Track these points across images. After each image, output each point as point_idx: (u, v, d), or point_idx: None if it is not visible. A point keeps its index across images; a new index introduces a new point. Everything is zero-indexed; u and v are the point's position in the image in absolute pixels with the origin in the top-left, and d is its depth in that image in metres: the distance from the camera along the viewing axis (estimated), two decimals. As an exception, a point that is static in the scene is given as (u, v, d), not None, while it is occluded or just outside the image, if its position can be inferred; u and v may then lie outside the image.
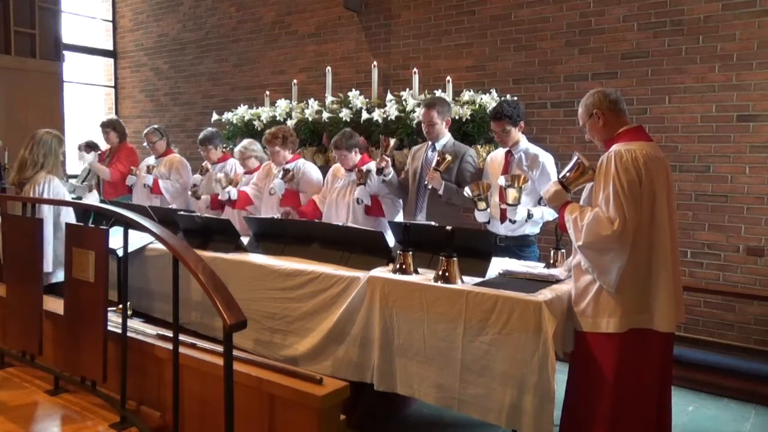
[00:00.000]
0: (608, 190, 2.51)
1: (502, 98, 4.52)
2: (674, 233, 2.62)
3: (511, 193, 3.35)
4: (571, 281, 2.76)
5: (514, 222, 3.56)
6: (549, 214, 3.59)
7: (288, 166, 4.54)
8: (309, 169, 4.69)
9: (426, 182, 3.84)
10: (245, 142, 5.02)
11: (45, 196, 3.76)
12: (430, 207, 3.96)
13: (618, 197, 2.48)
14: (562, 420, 2.72)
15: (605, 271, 2.52)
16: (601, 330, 2.55)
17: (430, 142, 4.08)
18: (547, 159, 3.75)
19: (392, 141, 4.06)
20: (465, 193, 3.55)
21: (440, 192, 3.82)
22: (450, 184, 3.84)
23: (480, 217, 3.68)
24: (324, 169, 4.79)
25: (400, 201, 4.27)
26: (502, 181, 3.39)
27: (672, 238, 2.59)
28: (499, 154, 3.93)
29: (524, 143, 3.81)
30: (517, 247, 3.76)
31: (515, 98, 4.62)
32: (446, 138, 4.05)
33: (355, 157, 4.28)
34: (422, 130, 4.14)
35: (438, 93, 4.95)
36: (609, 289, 2.53)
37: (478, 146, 4.78)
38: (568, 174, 2.73)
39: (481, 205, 3.52)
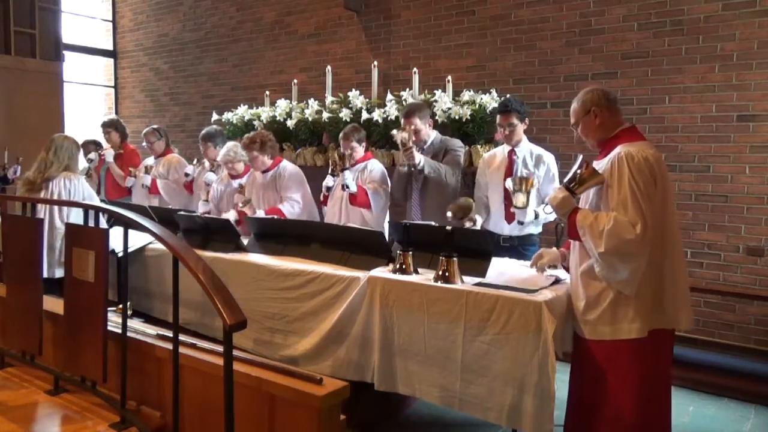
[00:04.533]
0: (624, 192, 2.43)
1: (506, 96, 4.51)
2: (678, 231, 2.61)
3: (520, 198, 3.31)
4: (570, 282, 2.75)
5: (522, 223, 3.52)
6: (553, 214, 3.57)
7: (270, 172, 4.47)
8: (290, 170, 4.53)
9: (402, 164, 3.74)
10: (230, 144, 4.77)
11: (71, 192, 3.98)
12: (423, 201, 3.93)
13: (636, 199, 2.41)
14: (567, 425, 2.70)
15: (625, 275, 2.44)
16: (623, 336, 2.49)
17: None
18: (550, 159, 3.76)
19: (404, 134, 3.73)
20: (506, 185, 3.44)
21: (421, 166, 3.70)
22: (431, 160, 3.78)
23: (519, 215, 3.42)
24: (324, 169, 4.74)
25: (388, 195, 4.22)
26: (509, 184, 3.36)
27: (678, 237, 2.59)
28: (497, 153, 3.92)
29: (527, 143, 3.81)
30: (521, 246, 3.75)
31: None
32: (432, 136, 4.04)
33: (361, 151, 4.28)
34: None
35: (438, 93, 4.95)
36: (629, 294, 2.46)
37: (478, 146, 4.78)
38: (574, 178, 2.61)
39: (519, 199, 3.29)
